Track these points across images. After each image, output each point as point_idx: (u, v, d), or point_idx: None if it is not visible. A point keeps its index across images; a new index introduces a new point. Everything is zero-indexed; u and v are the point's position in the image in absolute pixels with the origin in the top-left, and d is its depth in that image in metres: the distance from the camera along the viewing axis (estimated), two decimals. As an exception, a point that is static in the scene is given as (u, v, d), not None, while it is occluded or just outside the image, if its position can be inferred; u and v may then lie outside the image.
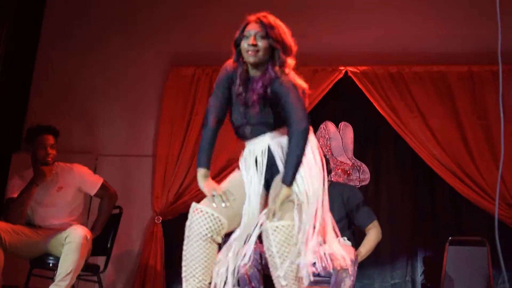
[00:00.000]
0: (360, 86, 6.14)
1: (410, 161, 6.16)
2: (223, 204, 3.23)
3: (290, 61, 3.34)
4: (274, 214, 3.15)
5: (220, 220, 3.18)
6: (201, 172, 3.37)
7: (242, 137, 3.43)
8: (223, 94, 3.46)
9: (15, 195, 4.82)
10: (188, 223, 3.21)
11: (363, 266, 5.33)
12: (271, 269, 3.24)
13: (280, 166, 3.28)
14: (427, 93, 6.09)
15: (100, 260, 5.20)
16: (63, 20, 6.91)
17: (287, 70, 3.30)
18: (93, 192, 5.11)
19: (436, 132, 5.97)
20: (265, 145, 3.34)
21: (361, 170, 6.22)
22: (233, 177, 3.47)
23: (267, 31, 3.28)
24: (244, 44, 3.31)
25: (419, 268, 5.95)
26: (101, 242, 5.03)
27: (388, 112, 6.05)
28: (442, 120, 6.01)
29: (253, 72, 3.37)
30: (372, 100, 6.10)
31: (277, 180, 3.29)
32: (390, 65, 6.21)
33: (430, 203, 6.13)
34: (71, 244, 4.44)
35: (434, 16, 6.38)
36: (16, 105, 6.79)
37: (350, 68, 6.19)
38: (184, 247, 3.21)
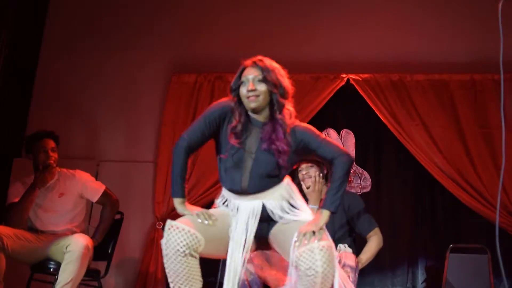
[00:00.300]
0: (362, 93, 6.15)
1: (412, 168, 6.17)
2: (206, 222, 3.21)
3: (289, 107, 3.33)
4: (313, 235, 3.07)
5: (197, 237, 3.11)
6: (178, 201, 3.34)
7: (237, 188, 3.33)
8: (208, 129, 3.35)
9: (17, 200, 4.82)
10: (164, 240, 3.13)
11: (364, 273, 5.33)
12: None
13: (283, 215, 3.31)
14: (428, 101, 6.10)
15: (101, 265, 5.20)
16: (66, 27, 6.92)
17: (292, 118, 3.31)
18: (94, 199, 5.09)
19: (438, 140, 5.98)
20: (260, 204, 3.32)
21: (363, 177, 6.22)
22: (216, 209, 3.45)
23: (265, 75, 3.25)
24: (243, 90, 3.28)
25: (420, 276, 5.95)
26: (102, 247, 5.02)
27: (389, 119, 6.06)
28: (444, 128, 6.02)
29: (254, 117, 3.35)
30: (373, 108, 6.11)
31: (286, 225, 3.28)
32: (392, 73, 6.22)
33: (431, 210, 6.13)
34: (72, 253, 4.43)
35: (436, 24, 6.39)
36: (17, 111, 6.78)
37: (352, 76, 6.20)
38: (165, 264, 3.16)
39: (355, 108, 6.36)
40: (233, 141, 3.27)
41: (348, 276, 4.00)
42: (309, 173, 4.54)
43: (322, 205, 3.25)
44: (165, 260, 3.15)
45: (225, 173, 3.34)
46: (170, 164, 6.23)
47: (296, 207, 3.36)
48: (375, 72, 6.23)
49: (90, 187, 5.08)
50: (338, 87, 6.23)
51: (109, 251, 5.18)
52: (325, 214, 3.20)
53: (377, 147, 6.34)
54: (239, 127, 3.28)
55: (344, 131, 6.34)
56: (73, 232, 4.78)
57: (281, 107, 3.28)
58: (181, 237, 3.08)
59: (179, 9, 6.85)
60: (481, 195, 5.76)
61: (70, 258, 4.41)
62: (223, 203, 3.43)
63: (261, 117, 3.33)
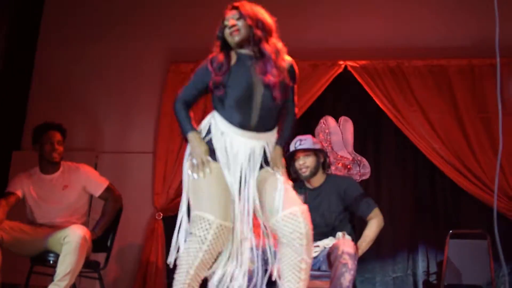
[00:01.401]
0: (359, 80, 6.13)
1: (411, 155, 6.16)
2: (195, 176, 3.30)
3: (276, 41, 3.47)
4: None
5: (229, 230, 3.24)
6: (194, 134, 3.39)
7: (242, 124, 3.36)
8: (201, 81, 3.48)
9: (12, 189, 4.86)
10: (209, 237, 3.15)
11: (364, 260, 5.33)
12: (291, 254, 3.24)
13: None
14: (426, 87, 6.08)
15: (101, 257, 5.20)
16: (62, 18, 6.93)
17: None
18: (97, 193, 5.10)
19: (436, 126, 5.96)
20: (263, 144, 3.43)
21: (362, 165, 6.21)
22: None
23: (241, 11, 3.42)
24: (226, 30, 3.45)
25: (420, 262, 5.95)
26: (101, 239, 5.02)
27: (388, 106, 6.05)
28: (442, 114, 6.00)
29: (244, 52, 3.47)
30: (371, 95, 6.10)
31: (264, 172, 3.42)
32: (390, 59, 6.20)
33: (431, 196, 6.13)
34: (70, 244, 4.43)
35: (433, 10, 6.37)
36: (16, 103, 6.80)
37: (349, 63, 6.19)
38: (199, 261, 3.17)
39: (353, 95, 6.35)
40: (218, 77, 3.38)
41: (347, 263, 3.99)
42: (306, 163, 4.53)
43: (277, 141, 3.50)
44: (200, 258, 3.17)
45: (234, 107, 3.36)
46: (169, 155, 6.28)
47: None
48: (373, 58, 6.21)
49: (94, 181, 5.09)
50: (335, 74, 6.22)
51: (109, 243, 5.18)
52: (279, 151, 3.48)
53: (375, 134, 6.33)
54: (222, 59, 3.42)
55: (342, 118, 6.33)
56: (72, 224, 4.78)
57: (262, 39, 3.40)
58: (223, 235, 3.20)
59: (176, -1, 6.84)
60: (480, 180, 5.76)
61: (67, 250, 4.41)
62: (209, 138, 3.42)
63: (249, 52, 3.45)
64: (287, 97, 3.45)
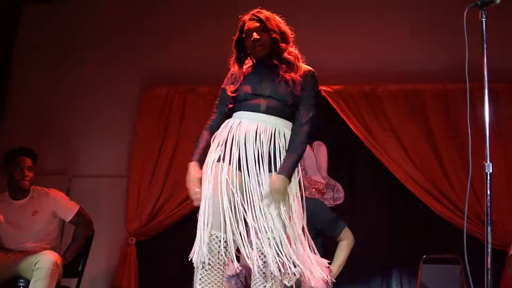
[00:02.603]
0: (333, 105, 6.13)
1: (385, 180, 6.15)
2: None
3: (293, 50, 3.53)
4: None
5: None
6: (192, 165, 3.41)
7: (251, 107, 3.41)
8: (225, 103, 3.54)
9: None
10: (207, 251, 3.18)
11: (338, 284, 5.31)
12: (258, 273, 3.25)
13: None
14: (401, 111, 6.10)
15: (73, 282, 5.14)
16: (36, 42, 6.89)
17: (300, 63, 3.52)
18: (68, 218, 5.07)
19: (410, 151, 5.98)
20: (273, 128, 3.39)
21: (335, 189, 6.21)
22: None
23: (265, 24, 3.42)
24: (249, 42, 3.45)
25: (394, 286, 5.93)
26: (72, 264, 4.98)
27: (362, 131, 6.05)
28: (416, 139, 6.01)
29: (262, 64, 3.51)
30: (345, 119, 6.10)
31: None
32: (364, 83, 6.22)
33: (406, 221, 6.11)
34: (41, 270, 4.40)
35: (408, 35, 6.40)
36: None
37: (323, 87, 6.18)
38: (202, 273, 3.20)
39: (327, 119, 6.35)
40: (233, 87, 3.47)
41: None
42: None
43: (280, 171, 3.31)
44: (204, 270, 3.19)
45: (243, 101, 3.44)
46: (142, 178, 6.24)
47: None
48: (347, 83, 6.22)
49: (64, 206, 5.06)
50: (310, 99, 6.22)
51: (80, 268, 5.13)
52: (281, 179, 3.28)
53: (350, 159, 6.32)
54: (236, 71, 3.52)
55: (316, 143, 6.33)
56: (42, 249, 4.73)
57: (284, 50, 3.45)
58: (224, 248, 3.20)
59: (151, 22, 6.83)
60: (454, 205, 5.77)
61: (38, 275, 4.38)
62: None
63: (270, 61, 3.48)
64: (296, 100, 3.42)
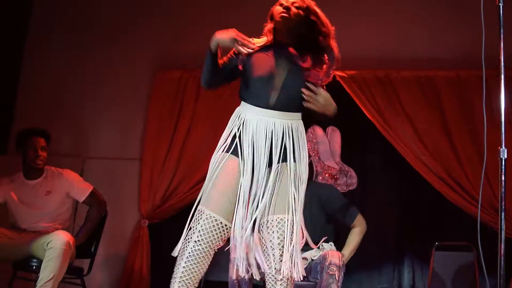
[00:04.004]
0: (348, 90, 6.11)
1: (398, 166, 6.12)
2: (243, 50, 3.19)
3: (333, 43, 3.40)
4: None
5: (228, 229, 3.12)
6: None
7: (264, 103, 3.23)
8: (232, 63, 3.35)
9: None
10: (198, 227, 3.08)
11: (350, 271, 5.31)
12: (266, 264, 3.14)
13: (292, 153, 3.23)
14: (414, 97, 6.07)
15: (85, 263, 5.17)
16: (49, 23, 6.88)
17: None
18: (81, 199, 5.09)
19: (424, 137, 5.95)
20: (290, 124, 3.27)
21: (348, 175, 6.19)
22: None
23: (304, 4, 3.29)
24: (278, 7, 3.28)
25: (406, 273, 5.93)
26: (85, 245, 5.01)
27: (376, 116, 6.02)
28: (430, 125, 5.98)
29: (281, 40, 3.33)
30: (359, 104, 6.07)
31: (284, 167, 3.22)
32: (378, 69, 6.19)
33: (418, 207, 6.10)
34: (53, 250, 4.41)
35: (422, 21, 6.36)
36: (2, 108, 6.75)
37: (338, 73, 6.15)
38: (189, 251, 3.08)
39: (341, 105, 6.30)
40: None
41: (334, 274, 3.98)
42: None
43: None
44: (192, 246, 3.08)
45: (252, 87, 3.27)
46: (155, 161, 6.26)
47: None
48: (361, 68, 6.19)
49: (78, 187, 5.09)
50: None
51: (92, 249, 5.16)
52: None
53: (363, 144, 6.30)
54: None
55: (330, 128, 6.31)
56: (55, 229, 4.76)
57: (313, 36, 3.33)
58: (218, 231, 3.08)
59: (164, 5, 6.80)
60: (467, 192, 5.74)
61: (51, 255, 4.40)
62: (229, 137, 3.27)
63: (289, 40, 3.32)
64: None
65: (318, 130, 6.29)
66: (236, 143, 3.21)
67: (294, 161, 3.24)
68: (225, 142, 3.25)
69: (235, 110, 3.35)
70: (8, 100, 6.84)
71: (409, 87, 6.10)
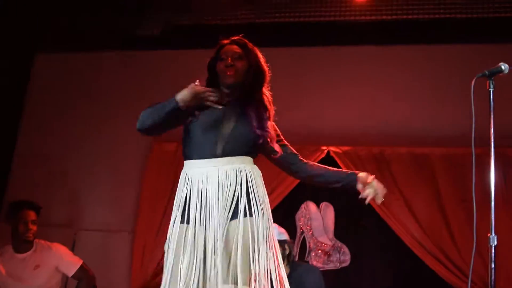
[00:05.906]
0: (341, 166, 6.12)
1: (392, 243, 6.10)
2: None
3: (267, 92, 3.22)
4: None
5: None
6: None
7: (210, 153, 3.02)
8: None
9: None
10: None
11: None
12: None
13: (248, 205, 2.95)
14: (409, 174, 6.08)
15: None
16: (46, 94, 6.96)
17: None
18: (70, 273, 5.08)
19: (418, 215, 5.94)
20: (242, 167, 3.03)
21: (342, 251, 6.15)
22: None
23: (244, 52, 3.16)
24: (221, 65, 3.14)
25: None
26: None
27: (370, 193, 6.01)
28: (424, 202, 5.99)
29: (227, 96, 3.15)
30: (354, 181, 6.07)
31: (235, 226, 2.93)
32: (373, 146, 6.22)
33: (412, 285, 6.04)
34: None
35: (416, 99, 6.43)
36: (-3, 176, 6.76)
37: (332, 148, 6.20)
38: None
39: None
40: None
41: None
42: None
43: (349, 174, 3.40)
44: None
45: (195, 139, 3.08)
46: (148, 234, 6.21)
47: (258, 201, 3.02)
48: (356, 144, 6.23)
49: (67, 261, 5.08)
50: (318, 159, 6.19)
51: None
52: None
53: (357, 220, 6.28)
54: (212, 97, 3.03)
55: (323, 204, 6.30)
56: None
57: (258, 87, 3.17)
58: None
59: (158, 77, 6.86)
60: (460, 270, 5.69)
61: None
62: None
63: (235, 96, 3.15)
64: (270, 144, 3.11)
65: (312, 205, 6.28)
66: (185, 208, 3.01)
67: (251, 215, 2.96)
68: (178, 210, 3.06)
69: (181, 173, 3.16)
70: (3, 168, 6.85)
71: (403, 164, 6.14)
